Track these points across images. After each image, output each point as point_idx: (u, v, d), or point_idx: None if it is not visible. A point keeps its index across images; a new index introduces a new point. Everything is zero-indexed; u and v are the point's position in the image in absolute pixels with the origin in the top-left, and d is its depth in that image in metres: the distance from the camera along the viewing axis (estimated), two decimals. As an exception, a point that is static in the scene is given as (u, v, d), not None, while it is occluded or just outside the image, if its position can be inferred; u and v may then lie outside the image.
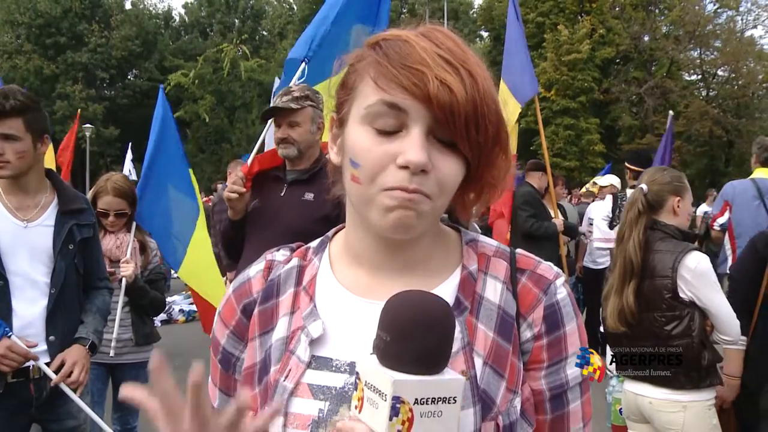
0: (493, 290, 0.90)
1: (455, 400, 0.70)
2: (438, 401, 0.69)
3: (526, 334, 0.89)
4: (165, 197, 4.18)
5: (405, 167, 0.78)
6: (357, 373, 0.75)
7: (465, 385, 0.80)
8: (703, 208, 14.20)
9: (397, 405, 0.67)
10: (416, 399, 0.68)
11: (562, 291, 0.91)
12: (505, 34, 6.04)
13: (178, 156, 4.44)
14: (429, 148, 0.80)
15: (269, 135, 3.41)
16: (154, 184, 4.12)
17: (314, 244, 1.01)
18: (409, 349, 0.70)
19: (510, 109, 5.61)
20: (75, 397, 2.55)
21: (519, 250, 0.96)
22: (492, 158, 0.85)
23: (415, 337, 0.70)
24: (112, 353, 3.41)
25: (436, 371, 0.71)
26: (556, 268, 0.94)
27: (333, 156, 0.92)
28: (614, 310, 2.84)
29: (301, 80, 3.44)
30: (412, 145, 0.78)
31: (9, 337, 2.36)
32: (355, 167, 0.82)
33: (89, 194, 3.58)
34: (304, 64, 3.48)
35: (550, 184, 6.19)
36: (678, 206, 2.89)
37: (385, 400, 0.67)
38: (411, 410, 0.67)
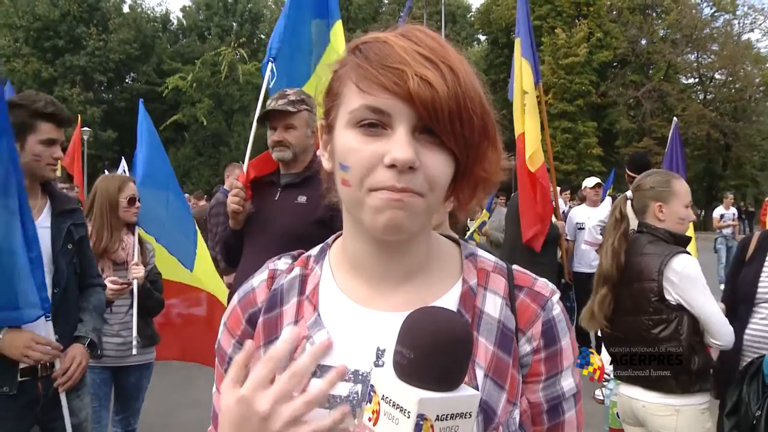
0: (493, 305, 0.92)
1: (471, 415, 0.73)
2: (456, 417, 0.71)
3: (525, 348, 0.91)
4: (165, 203, 4.29)
5: (392, 166, 0.79)
6: (372, 386, 0.74)
7: None
8: (720, 210, 14.30)
9: (421, 422, 0.68)
10: (438, 416, 0.69)
11: (557, 307, 0.94)
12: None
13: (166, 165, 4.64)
14: (416, 145, 0.80)
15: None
16: (151, 190, 4.22)
17: (314, 251, 1.02)
18: (434, 368, 0.71)
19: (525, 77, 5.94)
20: (64, 405, 2.57)
21: (516, 267, 0.98)
22: (481, 152, 0.86)
23: (439, 357, 0.71)
24: (134, 351, 3.44)
25: (454, 387, 0.72)
26: (551, 285, 0.97)
27: (325, 162, 0.93)
28: (587, 312, 2.95)
29: (273, 80, 3.55)
30: (398, 144, 0.78)
31: (47, 318, 2.41)
32: (345, 170, 0.83)
33: (100, 192, 3.55)
34: (270, 64, 3.63)
35: (553, 182, 6.21)
36: (661, 211, 2.89)
37: (409, 417, 0.68)
38: (432, 427, 0.69)
